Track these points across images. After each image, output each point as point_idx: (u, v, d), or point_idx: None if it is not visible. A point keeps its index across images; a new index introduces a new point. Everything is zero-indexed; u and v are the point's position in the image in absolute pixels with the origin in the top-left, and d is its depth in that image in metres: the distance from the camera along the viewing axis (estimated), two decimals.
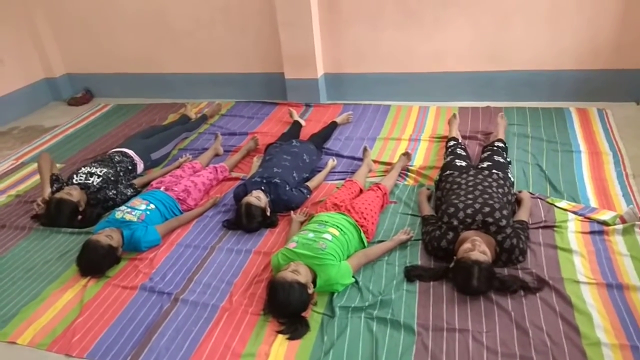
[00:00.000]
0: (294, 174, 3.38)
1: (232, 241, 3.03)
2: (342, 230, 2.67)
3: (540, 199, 3.06)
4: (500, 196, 2.76)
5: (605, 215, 2.82)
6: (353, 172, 3.57)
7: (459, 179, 2.93)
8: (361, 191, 3.22)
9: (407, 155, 3.64)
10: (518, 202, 2.96)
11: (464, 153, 3.36)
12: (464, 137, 3.86)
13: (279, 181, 3.22)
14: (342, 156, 3.90)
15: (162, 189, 3.38)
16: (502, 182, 2.89)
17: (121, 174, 3.66)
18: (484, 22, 4.32)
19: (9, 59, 5.54)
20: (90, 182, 3.45)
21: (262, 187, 3.18)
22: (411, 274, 2.55)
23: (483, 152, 3.39)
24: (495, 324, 2.23)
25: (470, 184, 2.84)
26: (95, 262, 2.82)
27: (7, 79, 5.54)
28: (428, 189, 3.27)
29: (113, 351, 2.32)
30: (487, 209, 2.58)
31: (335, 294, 2.48)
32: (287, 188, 3.22)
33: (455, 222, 2.60)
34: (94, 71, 5.94)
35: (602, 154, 3.54)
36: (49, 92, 6.03)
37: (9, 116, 5.56)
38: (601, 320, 2.19)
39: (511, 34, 4.32)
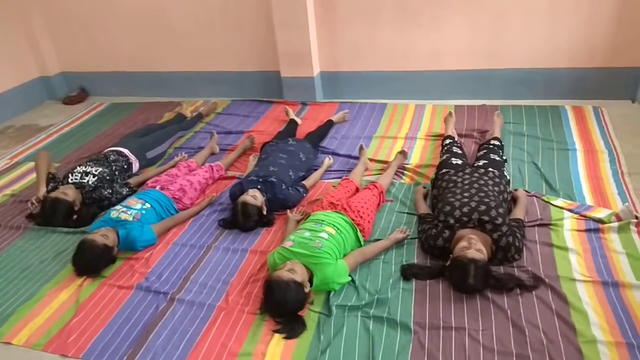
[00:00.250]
0: (290, 173, 3.37)
1: (228, 240, 3.02)
2: (338, 229, 2.66)
3: (536, 197, 3.07)
4: (496, 194, 2.76)
5: (601, 213, 2.83)
6: (349, 171, 3.57)
7: (455, 177, 2.93)
8: (357, 190, 3.21)
9: (403, 153, 3.64)
10: (514, 200, 2.97)
11: (460, 151, 3.36)
12: (460, 136, 3.87)
13: (275, 180, 3.21)
14: (339, 155, 3.90)
15: (157, 188, 3.37)
16: (498, 180, 2.89)
17: (116, 173, 3.65)
18: (481, 20, 4.32)
19: (4, 58, 5.50)
20: (85, 181, 3.43)
21: (259, 186, 3.18)
22: (407, 273, 2.55)
23: (479, 150, 3.39)
24: (491, 322, 2.24)
25: (466, 182, 2.84)
26: (90, 262, 2.81)
27: (2, 78, 5.51)
28: (424, 187, 3.27)
29: (109, 351, 2.31)
30: (483, 207, 2.59)
31: (332, 293, 2.48)
32: (284, 187, 3.22)
33: (452, 221, 2.60)
34: (89, 70, 5.91)
35: (598, 152, 3.55)
36: (44, 91, 6.00)
37: (4, 115, 5.53)
38: (597, 317, 2.20)
39: (507, 33, 4.32)
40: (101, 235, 2.84)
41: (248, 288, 2.61)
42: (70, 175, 3.50)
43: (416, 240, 2.81)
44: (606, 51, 4.18)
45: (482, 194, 2.70)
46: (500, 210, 2.61)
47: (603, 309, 2.24)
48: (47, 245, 3.17)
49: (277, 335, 2.29)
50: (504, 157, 3.29)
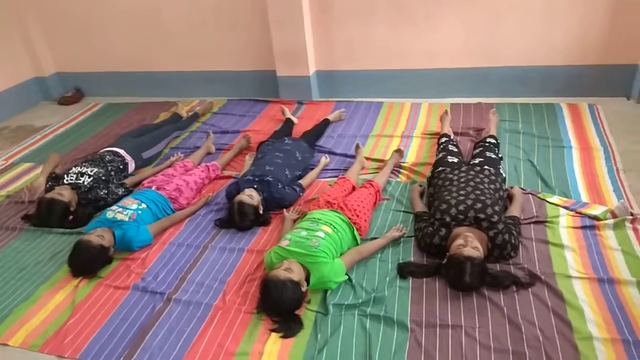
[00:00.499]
0: (287, 172, 3.37)
1: (224, 240, 3.02)
2: (335, 227, 2.67)
3: (531, 194, 3.07)
4: (492, 192, 2.77)
5: (597, 210, 2.84)
6: (346, 170, 3.57)
7: (451, 176, 2.94)
8: (354, 188, 3.22)
9: (399, 152, 3.64)
10: (510, 198, 2.97)
11: (455, 149, 3.36)
12: (455, 134, 3.87)
13: (271, 179, 3.21)
14: (335, 154, 3.90)
15: (153, 188, 3.36)
16: (493, 178, 2.90)
17: (112, 173, 3.64)
18: (476, 19, 4.33)
19: None
20: (81, 182, 3.43)
21: (255, 186, 3.18)
22: (404, 271, 2.55)
23: (475, 148, 3.40)
24: (487, 320, 2.24)
25: (462, 180, 2.85)
26: (87, 263, 2.80)
27: None
28: (420, 185, 3.27)
29: (105, 352, 2.31)
30: (479, 205, 2.59)
31: (329, 292, 2.48)
32: (280, 186, 3.21)
33: (448, 219, 2.60)
34: (85, 70, 5.89)
35: (593, 149, 3.56)
36: (39, 92, 5.98)
37: None
38: (593, 314, 2.20)
39: (503, 31, 4.33)
40: (97, 235, 2.84)
41: (245, 287, 2.61)
42: (65, 176, 3.49)
43: (413, 238, 2.81)
44: (601, 49, 4.19)
45: (478, 192, 2.70)
46: (496, 208, 2.61)
47: (599, 306, 2.25)
48: (43, 246, 3.17)
49: (274, 335, 2.29)
50: (500, 155, 3.30)
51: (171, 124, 4.55)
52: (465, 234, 2.47)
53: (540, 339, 2.12)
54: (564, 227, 2.77)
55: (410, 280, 2.51)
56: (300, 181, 3.42)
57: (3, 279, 2.91)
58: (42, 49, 5.81)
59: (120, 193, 3.49)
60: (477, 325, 2.22)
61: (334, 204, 2.91)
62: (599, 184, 3.17)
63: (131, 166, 3.87)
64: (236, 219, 3.01)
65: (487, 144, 3.32)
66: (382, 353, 2.14)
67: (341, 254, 2.63)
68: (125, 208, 3.10)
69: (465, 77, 4.62)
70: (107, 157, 3.73)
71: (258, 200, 3.08)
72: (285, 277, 2.31)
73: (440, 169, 3.09)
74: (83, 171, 3.51)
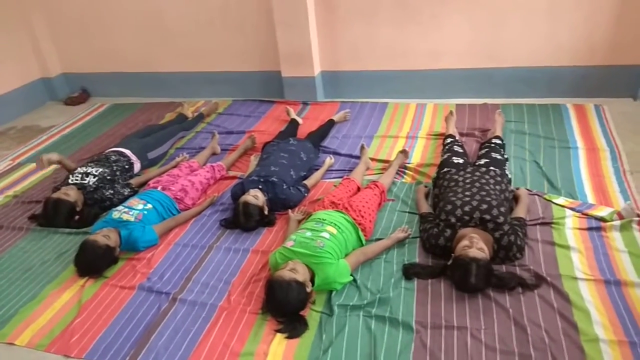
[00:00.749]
0: (292, 173, 3.37)
1: (229, 240, 3.02)
2: (339, 228, 2.66)
3: (537, 195, 3.06)
4: (498, 193, 2.76)
5: (603, 212, 2.83)
6: (351, 170, 3.57)
7: (456, 177, 2.93)
8: (359, 189, 3.21)
9: (404, 152, 3.64)
10: (515, 199, 2.96)
11: (461, 150, 3.36)
12: (461, 135, 3.86)
13: (276, 180, 3.21)
14: (340, 154, 3.90)
15: (159, 188, 3.37)
16: (499, 179, 2.89)
17: (117, 173, 3.65)
18: (481, 19, 4.32)
19: (5, 59, 5.52)
20: (86, 182, 3.44)
21: (260, 186, 3.18)
22: (409, 272, 2.55)
23: (480, 149, 3.39)
24: (493, 321, 2.23)
25: (467, 181, 2.84)
26: (93, 262, 2.81)
27: (4, 79, 5.52)
28: (426, 186, 3.27)
29: (111, 351, 2.32)
30: (484, 206, 2.58)
31: (334, 293, 2.48)
32: (285, 186, 3.22)
33: (453, 220, 2.60)
34: (91, 70, 5.92)
35: (599, 150, 3.54)
36: (46, 92, 6.01)
37: (6, 116, 5.54)
38: (599, 316, 2.19)
39: (508, 31, 4.31)
40: (103, 235, 2.85)
41: (250, 288, 2.62)
42: (71, 176, 3.50)
43: (418, 239, 2.81)
44: (607, 49, 4.17)
45: (484, 193, 2.70)
46: (502, 209, 2.61)
47: (605, 308, 2.24)
48: (49, 246, 3.18)
49: (279, 335, 2.29)
50: (506, 156, 3.29)
51: (176, 124, 4.56)
52: (470, 235, 2.46)
53: (546, 340, 2.11)
54: (570, 228, 2.76)
55: (416, 282, 2.51)
56: (305, 182, 3.42)
57: (9, 278, 2.92)
58: (48, 49, 5.84)
59: (126, 193, 3.51)
60: (483, 327, 2.21)
61: (339, 204, 2.90)
62: (605, 185, 3.15)
63: (137, 166, 3.89)
64: (241, 220, 3.02)
65: (492, 145, 3.31)
66: (387, 354, 2.14)
67: (346, 255, 2.63)
68: (131, 208, 3.11)
69: (470, 78, 4.60)
70: (113, 157, 3.74)
71: (263, 200, 3.08)
72: (290, 278, 2.31)
73: (445, 169, 3.08)
74: (88, 171, 3.52)
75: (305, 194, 3.34)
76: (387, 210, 3.13)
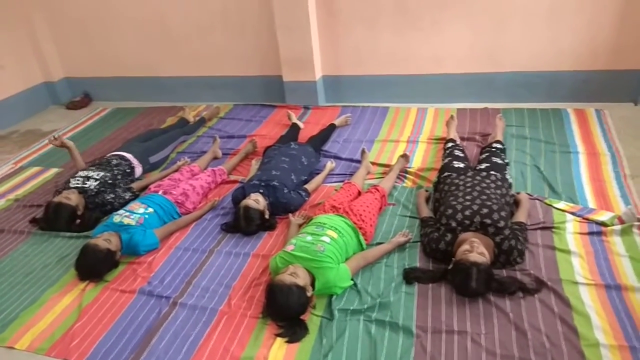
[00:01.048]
0: (293, 177, 3.38)
1: (230, 244, 3.03)
2: (340, 232, 2.67)
3: (538, 200, 3.06)
4: (499, 197, 2.76)
5: (604, 216, 2.82)
6: (351, 175, 3.57)
7: (457, 181, 2.93)
8: (359, 193, 3.22)
9: (405, 157, 3.64)
10: (516, 203, 2.96)
11: (462, 155, 3.36)
12: (462, 139, 3.87)
13: (277, 184, 3.22)
14: (341, 158, 3.90)
15: (160, 192, 3.38)
16: (500, 183, 2.89)
17: (119, 177, 3.66)
18: (482, 24, 4.33)
19: (8, 64, 5.55)
20: (87, 185, 3.45)
21: (261, 190, 3.18)
22: (410, 276, 2.54)
23: (481, 153, 3.39)
24: (493, 326, 2.23)
25: (468, 185, 2.84)
26: (93, 266, 2.82)
27: (6, 83, 5.55)
28: (426, 190, 3.27)
29: (112, 355, 2.32)
30: (485, 211, 2.58)
31: (334, 297, 2.48)
32: (286, 191, 3.22)
33: (454, 224, 2.60)
34: (93, 75, 5.94)
35: (600, 154, 3.54)
36: (48, 96, 6.04)
37: (8, 120, 5.56)
38: (600, 321, 2.19)
39: (509, 36, 4.32)
40: (104, 239, 2.85)
41: (250, 292, 2.62)
42: (72, 180, 3.51)
43: (418, 243, 2.81)
44: (609, 54, 4.18)
45: (484, 197, 2.70)
46: (503, 214, 2.61)
47: (606, 312, 2.23)
48: (50, 249, 3.19)
49: (279, 339, 2.29)
50: (506, 160, 3.29)
51: (178, 128, 4.57)
52: (471, 239, 2.46)
53: (547, 345, 2.10)
54: (571, 233, 2.75)
55: (416, 286, 2.50)
56: (306, 186, 3.42)
57: (10, 282, 2.93)
58: (51, 54, 5.87)
59: (127, 197, 3.51)
60: (483, 331, 2.21)
61: (340, 208, 2.91)
62: (606, 189, 3.15)
63: (138, 170, 3.90)
64: (242, 224, 3.02)
65: (493, 149, 3.31)
66: (387, 359, 2.14)
67: (346, 259, 2.63)
68: (132, 212, 3.12)
69: (471, 82, 4.61)
70: (114, 161, 3.75)
71: (264, 204, 3.09)
72: (291, 282, 2.31)
73: (446, 174, 3.08)
74: (89, 175, 3.53)
75: (306, 198, 3.34)
76: (387, 214, 3.13)
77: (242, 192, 3.21)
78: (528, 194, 3.09)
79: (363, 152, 3.77)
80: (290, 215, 3.14)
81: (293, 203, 3.23)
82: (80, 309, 2.62)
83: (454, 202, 2.72)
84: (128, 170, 3.78)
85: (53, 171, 4.31)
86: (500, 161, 3.16)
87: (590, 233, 2.74)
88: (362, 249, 2.77)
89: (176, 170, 3.79)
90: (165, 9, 5.16)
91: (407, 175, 3.54)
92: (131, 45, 5.54)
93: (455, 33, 4.43)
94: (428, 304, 2.40)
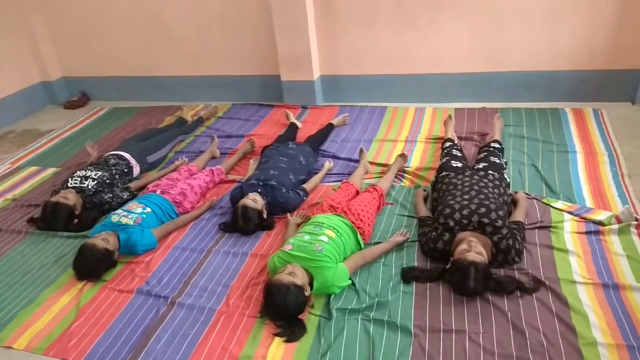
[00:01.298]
0: (291, 176, 3.38)
1: (228, 244, 3.02)
2: (338, 232, 2.67)
3: (536, 199, 3.07)
4: (496, 197, 2.76)
5: (601, 216, 2.83)
6: (349, 174, 3.57)
7: (455, 180, 2.93)
8: (358, 193, 3.22)
9: (403, 156, 3.65)
10: (514, 202, 2.97)
11: (459, 154, 3.36)
12: (460, 138, 3.87)
13: (275, 183, 3.22)
14: (339, 158, 3.90)
15: (158, 192, 3.37)
16: (498, 182, 2.90)
17: (116, 176, 3.66)
18: (480, 23, 4.33)
19: (5, 63, 5.53)
20: (85, 185, 3.44)
21: (259, 190, 3.18)
22: (408, 276, 2.55)
23: (479, 153, 3.40)
24: (492, 325, 2.23)
25: (466, 184, 2.85)
26: (91, 266, 2.81)
27: (3, 83, 5.53)
28: (424, 190, 3.27)
29: (109, 355, 2.32)
30: (483, 210, 2.59)
31: (332, 296, 2.48)
32: (284, 190, 3.22)
33: (452, 223, 2.60)
34: (90, 74, 5.93)
35: (598, 154, 3.55)
36: (45, 96, 6.02)
37: (5, 120, 5.55)
38: (597, 320, 2.19)
39: (507, 35, 4.33)
40: (102, 239, 2.84)
41: (248, 291, 2.62)
42: (70, 179, 3.50)
43: (416, 243, 2.81)
44: (606, 54, 4.19)
45: (482, 197, 2.70)
46: (500, 213, 2.61)
47: (603, 311, 2.24)
48: (47, 249, 3.18)
49: (277, 339, 2.29)
50: (504, 160, 3.29)
51: (176, 128, 4.57)
52: (469, 238, 2.46)
53: (545, 344, 2.11)
54: (569, 232, 2.76)
55: (414, 285, 2.51)
56: (304, 185, 3.42)
57: (8, 282, 2.92)
58: (48, 53, 5.85)
59: (124, 197, 3.51)
60: (481, 331, 2.21)
61: (338, 208, 2.91)
62: (603, 189, 3.15)
63: (136, 170, 3.89)
64: (240, 223, 3.02)
65: (491, 149, 3.32)
66: (385, 358, 2.14)
67: (345, 259, 2.63)
68: (129, 212, 3.11)
69: (469, 82, 4.61)
70: (112, 160, 3.74)
71: (262, 204, 3.09)
72: (289, 282, 2.31)
73: (444, 173, 3.09)
74: (87, 175, 3.52)
75: (304, 198, 3.34)
76: (385, 214, 3.14)
77: (240, 192, 3.20)
78: (526, 193, 3.10)
79: (361, 151, 3.77)
80: (288, 214, 3.14)
81: (291, 202, 3.23)
82: (78, 308, 2.62)
83: (452, 202, 2.72)
84: (126, 170, 3.78)
85: (50, 171, 4.30)
86: (498, 161, 3.17)
87: (588, 232, 2.74)
88: (360, 249, 2.77)
89: (174, 170, 3.79)
90: (163, 8, 5.16)
91: (405, 175, 3.55)
92: (129, 44, 5.53)
93: (453, 33, 4.43)
94: (426, 303, 2.40)
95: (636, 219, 2.72)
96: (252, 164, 3.78)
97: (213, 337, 2.35)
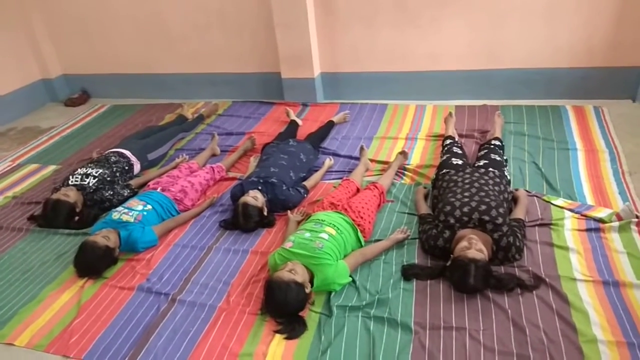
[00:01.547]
0: (291, 174, 3.38)
1: (229, 241, 3.03)
2: (339, 229, 2.67)
3: (536, 196, 3.06)
4: (497, 194, 2.76)
5: (602, 213, 2.83)
6: (350, 172, 3.57)
7: (455, 177, 2.93)
8: (358, 190, 3.22)
9: (403, 154, 3.64)
10: (514, 200, 2.97)
11: (460, 151, 3.36)
12: (460, 136, 3.87)
13: (276, 181, 3.22)
14: (339, 155, 3.90)
15: (158, 189, 3.37)
16: (498, 180, 2.90)
17: (117, 174, 3.66)
18: (480, 20, 4.33)
19: (6, 60, 5.53)
20: (86, 183, 3.44)
21: (259, 187, 3.18)
22: (408, 273, 2.55)
23: (480, 150, 3.40)
24: (492, 322, 2.24)
25: (466, 182, 2.84)
26: (92, 263, 2.82)
27: (4, 80, 5.53)
28: (425, 187, 3.27)
29: (110, 352, 2.32)
30: (483, 207, 2.59)
31: (333, 293, 2.49)
32: (284, 188, 3.22)
33: (452, 221, 2.60)
34: (91, 72, 5.93)
35: (599, 151, 3.54)
36: (46, 93, 6.02)
37: (6, 117, 5.55)
38: (598, 317, 2.20)
39: (507, 33, 4.32)
40: (103, 236, 2.85)
41: (249, 289, 2.62)
42: (70, 177, 3.51)
43: (417, 240, 2.81)
44: (606, 51, 4.18)
45: (483, 194, 2.70)
46: (501, 210, 2.61)
47: (604, 309, 2.24)
48: (48, 247, 3.18)
49: (278, 336, 2.30)
50: (505, 157, 3.29)
51: (176, 125, 4.57)
52: (469, 236, 2.46)
53: (545, 341, 2.11)
54: (569, 229, 2.76)
55: (414, 282, 2.51)
56: (304, 183, 3.42)
57: (9, 279, 2.93)
58: (48, 51, 5.85)
59: (125, 194, 3.51)
60: (482, 328, 2.21)
61: (338, 205, 2.91)
62: (604, 186, 3.15)
63: (136, 167, 3.89)
64: (241, 221, 3.02)
65: (492, 146, 3.32)
66: (385, 355, 2.14)
67: (345, 256, 2.63)
68: (130, 209, 3.12)
69: (469, 79, 4.61)
70: (113, 158, 3.75)
71: (262, 201, 3.09)
72: (289, 279, 2.32)
73: (444, 171, 3.08)
74: (88, 172, 3.53)
75: (305, 195, 3.34)
76: (386, 211, 3.14)
77: (241, 189, 3.20)
78: (526, 191, 3.10)
79: (362, 149, 3.77)
80: (288, 212, 3.14)
81: (291, 200, 3.23)
82: (79, 305, 2.62)
83: (452, 199, 2.72)
84: (126, 167, 3.78)
85: (51, 168, 4.31)
86: (498, 158, 3.17)
87: (589, 230, 2.74)
88: (361, 246, 2.77)
89: (175, 167, 3.79)
90: (164, 6, 5.15)
91: (406, 172, 3.55)
92: (129, 42, 5.52)
93: (453, 30, 4.43)
94: (426, 300, 2.40)
95: (637, 217, 2.72)
96: (253, 161, 3.78)
97: (214, 335, 2.36)
